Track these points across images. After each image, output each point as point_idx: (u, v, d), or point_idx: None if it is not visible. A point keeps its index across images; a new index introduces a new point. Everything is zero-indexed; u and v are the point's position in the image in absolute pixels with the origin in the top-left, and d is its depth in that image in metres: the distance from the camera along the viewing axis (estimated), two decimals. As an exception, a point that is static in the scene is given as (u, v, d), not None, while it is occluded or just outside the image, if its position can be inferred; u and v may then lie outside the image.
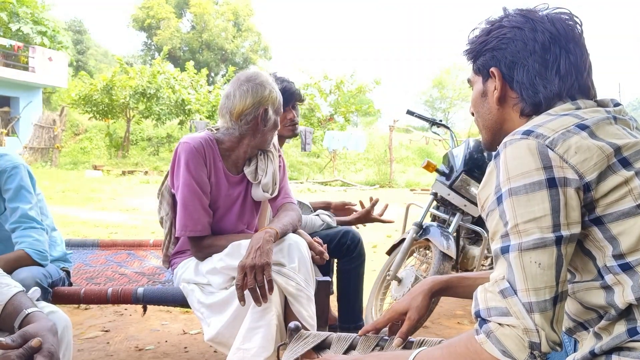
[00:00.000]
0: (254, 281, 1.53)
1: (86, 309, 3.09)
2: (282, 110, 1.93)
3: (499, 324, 0.85)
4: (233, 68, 24.41)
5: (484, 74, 1.10)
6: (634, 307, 0.89)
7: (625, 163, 0.90)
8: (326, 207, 2.70)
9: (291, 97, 2.38)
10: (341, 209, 2.71)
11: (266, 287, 1.55)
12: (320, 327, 1.73)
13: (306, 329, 1.36)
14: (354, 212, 2.68)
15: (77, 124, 22.52)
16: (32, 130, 18.48)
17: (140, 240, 2.92)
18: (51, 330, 1.13)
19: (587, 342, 0.97)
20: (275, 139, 2.05)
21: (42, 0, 21.29)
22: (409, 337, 1.17)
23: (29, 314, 1.21)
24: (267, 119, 1.86)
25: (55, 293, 1.83)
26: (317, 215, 2.48)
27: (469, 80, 1.16)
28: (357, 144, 16.64)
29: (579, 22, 1.04)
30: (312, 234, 2.08)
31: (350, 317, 2.45)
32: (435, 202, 2.90)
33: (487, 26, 1.09)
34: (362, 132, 18.77)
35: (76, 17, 48.06)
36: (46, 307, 1.33)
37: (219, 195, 1.90)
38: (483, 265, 3.12)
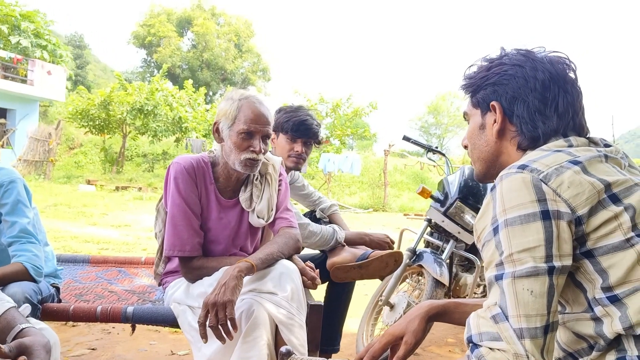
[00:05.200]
0: (216, 319, 1.49)
1: (73, 326, 3.04)
2: (243, 128, 1.74)
3: (490, 348, 0.87)
4: (231, 88, 24.57)
5: (483, 107, 1.13)
6: (623, 337, 0.90)
7: (615, 199, 0.93)
8: (363, 241, 2.46)
9: (305, 131, 2.32)
10: (377, 246, 2.46)
11: (229, 325, 1.50)
12: (311, 351, 1.71)
13: (297, 354, 1.34)
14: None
15: (72, 137, 22.48)
16: (27, 143, 18.40)
17: (132, 258, 2.88)
18: (45, 347, 1.13)
19: None
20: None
21: (44, 16, 21.39)
22: None
23: (23, 329, 1.21)
24: (220, 132, 1.82)
25: (44, 309, 1.80)
26: (332, 227, 2.38)
27: (465, 114, 1.19)
28: (352, 167, 16.66)
29: (574, 67, 1.09)
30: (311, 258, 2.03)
31: (330, 340, 2.45)
32: (429, 229, 2.91)
33: (486, 63, 1.13)
34: (357, 155, 18.77)
35: (77, 31, 48.57)
36: (36, 324, 1.32)
37: (209, 218, 1.88)
38: (475, 293, 3.11)
